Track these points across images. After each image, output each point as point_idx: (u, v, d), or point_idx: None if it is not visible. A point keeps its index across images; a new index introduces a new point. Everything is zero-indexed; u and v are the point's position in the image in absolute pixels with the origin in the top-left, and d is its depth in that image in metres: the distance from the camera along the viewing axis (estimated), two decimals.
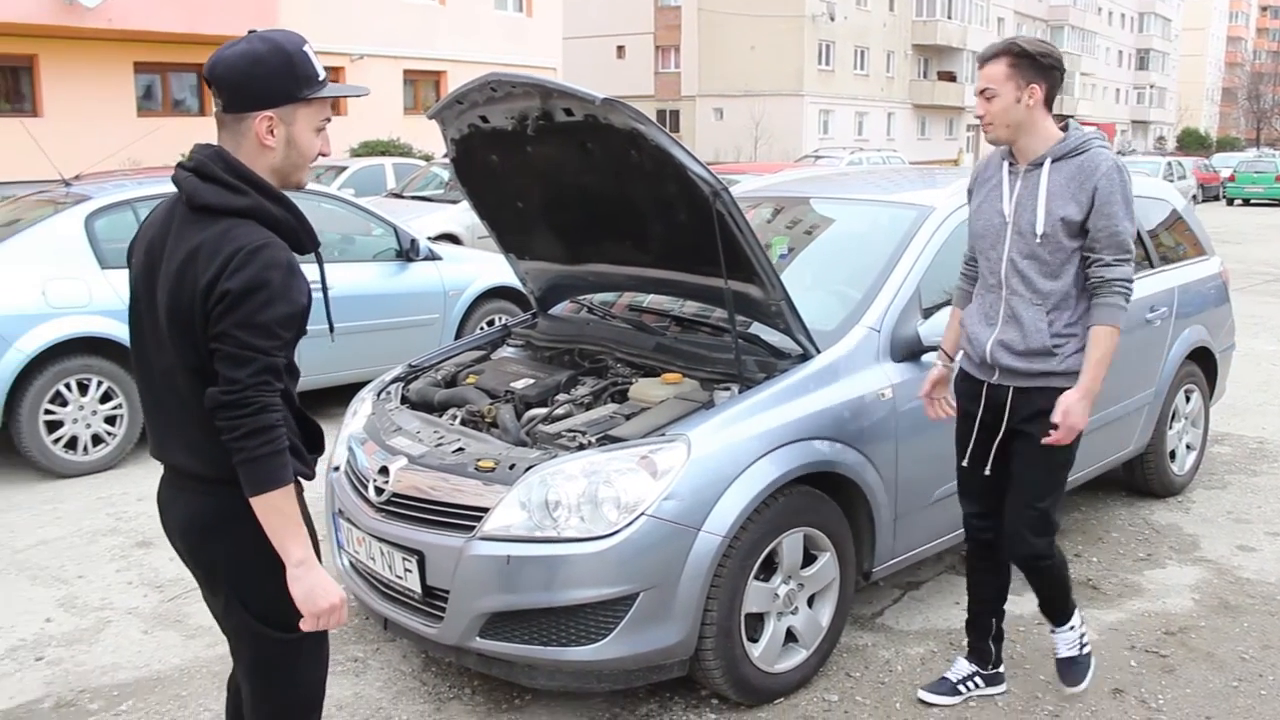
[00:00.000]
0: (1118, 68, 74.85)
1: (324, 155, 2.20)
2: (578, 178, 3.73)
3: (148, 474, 5.58)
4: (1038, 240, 3.11)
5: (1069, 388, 3.10)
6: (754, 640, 3.39)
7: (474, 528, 3.18)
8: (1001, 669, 3.59)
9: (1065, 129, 3.18)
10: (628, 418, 3.53)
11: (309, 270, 2.15)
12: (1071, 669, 3.52)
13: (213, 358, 1.99)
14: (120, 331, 5.77)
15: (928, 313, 3.90)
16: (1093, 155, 3.10)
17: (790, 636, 3.52)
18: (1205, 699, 3.55)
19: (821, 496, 3.51)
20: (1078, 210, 3.08)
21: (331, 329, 2.26)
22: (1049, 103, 3.14)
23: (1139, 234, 5.22)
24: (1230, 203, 34.79)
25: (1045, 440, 3.13)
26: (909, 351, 3.79)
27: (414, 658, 3.80)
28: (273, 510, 1.98)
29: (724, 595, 3.22)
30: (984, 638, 3.57)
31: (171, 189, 2.16)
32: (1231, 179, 35.21)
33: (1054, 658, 3.56)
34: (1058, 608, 3.49)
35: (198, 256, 2.00)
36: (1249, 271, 15.48)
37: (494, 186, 4.15)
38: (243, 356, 1.95)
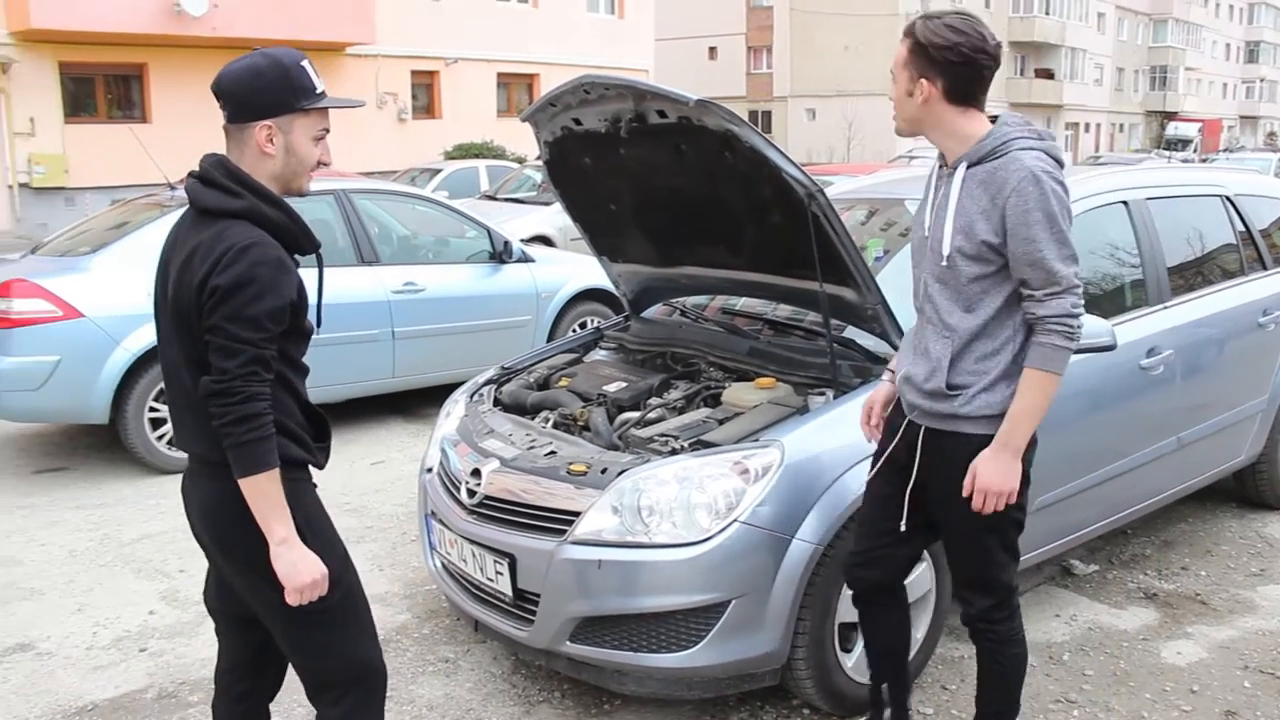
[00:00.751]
0: (1225, 61, 72.44)
1: (324, 164, 2.34)
2: (670, 180, 3.71)
3: None
4: (943, 263, 2.59)
5: (992, 435, 2.59)
6: (847, 650, 3.33)
7: (565, 532, 3.18)
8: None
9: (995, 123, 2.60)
10: (721, 422, 3.50)
11: (308, 274, 2.30)
12: None
13: (207, 350, 2.14)
14: None
15: None
16: (1006, 162, 2.50)
17: None
18: None
19: None
20: (988, 230, 2.51)
21: (319, 323, 2.38)
22: (964, 97, 2.56)
23: (1249, 234, 5.02)
24: None
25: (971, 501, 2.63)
26: None
27: (504, 660, 3.82)
28: (258, 492, 2.13)
29: (817, 604, 3.17)
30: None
31: None
32: None
33: None
34: (995, 703, 2.91)
35: (196, 255, 2.16)
36: None
37: (587, 189, 4.15)
38: (232, 348, 2.10)
